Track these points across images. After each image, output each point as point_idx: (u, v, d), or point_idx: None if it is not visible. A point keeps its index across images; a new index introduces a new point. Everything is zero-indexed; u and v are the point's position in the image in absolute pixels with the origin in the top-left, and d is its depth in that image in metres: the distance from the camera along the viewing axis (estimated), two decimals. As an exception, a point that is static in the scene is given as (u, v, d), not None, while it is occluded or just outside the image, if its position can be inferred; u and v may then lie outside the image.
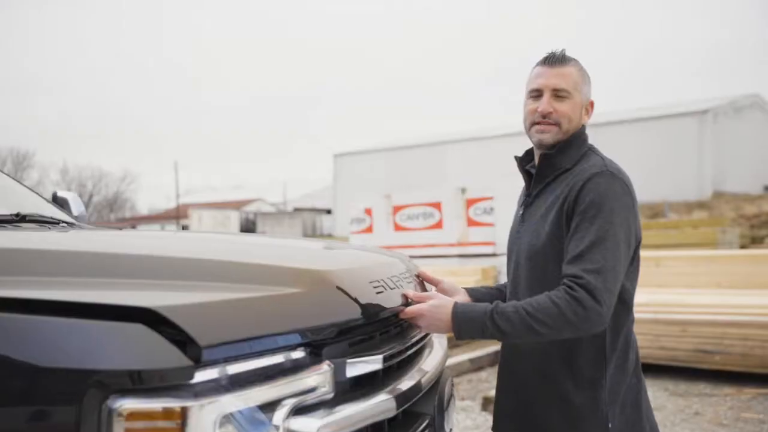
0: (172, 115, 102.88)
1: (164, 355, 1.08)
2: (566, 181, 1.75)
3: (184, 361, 1.08)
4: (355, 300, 1.41)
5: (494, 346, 6.70)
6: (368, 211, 10.44)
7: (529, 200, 1.87)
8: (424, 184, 23.48)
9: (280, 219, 40.19)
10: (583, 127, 1.86)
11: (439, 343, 1.97)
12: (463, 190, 9.39)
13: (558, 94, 1.78)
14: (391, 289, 1.63)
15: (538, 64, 1.85)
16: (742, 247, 15.28)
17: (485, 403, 4.90)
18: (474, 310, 1.66)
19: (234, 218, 38.29)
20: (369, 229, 10.37)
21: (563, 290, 1.61)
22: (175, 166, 44.76)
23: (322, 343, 1.32)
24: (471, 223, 9.23)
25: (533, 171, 1.87)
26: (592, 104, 1.88)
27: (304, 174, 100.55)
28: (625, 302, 1.75)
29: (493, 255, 8.94)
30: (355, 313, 1.40)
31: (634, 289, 1.80)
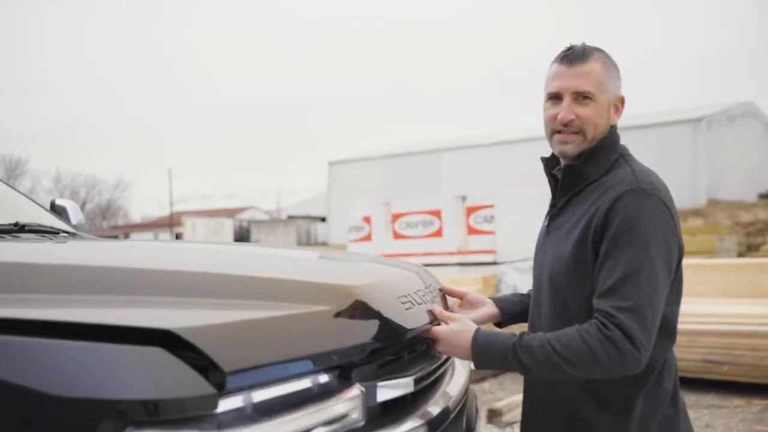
0: (166, 121, 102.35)
1: (185, 382, 0.98)
2: (593, 197, 1.58)
3: (207, 388, 0.98)
4: (386, 318, 1.32)
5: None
6: (367, 219, 10.34)
7: (554, 212, 1.70)
8: (420, 192, 23.41)
9: (273, 227, 40.06)
10: (613, 128, 1.65)
11: (461, 361, 1.86)
12: (464, 198, 9.31)
13: (580, 96, 1.58)
14: (419, 304, 1.53)
15: (555, 62, 1.63)
16: (739, 255, 15.27)
17: (490, 415, 4.80)
18: (496, 341, 1.51)
19: (227, 226, 38.12)
20: (368, 237, 10.27)
21: (595, 327, 1.44)
22: (169, 174, 44.60)
23: (352, 365, 1.22)
24: (471, 231, 9.14)
25: (560, 175, 1.70)
26: (622, 100, 1.66)
27: (299, 182, 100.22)
28: (665, 331, 1.55)
29: (494, 263, 8.85)
30: (386, 332, 1.30)
31: (675, 315, 1.60)
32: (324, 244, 33.05)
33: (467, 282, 7.80)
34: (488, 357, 1.51)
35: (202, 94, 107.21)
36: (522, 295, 1.91)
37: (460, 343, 1.53)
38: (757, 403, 4.94)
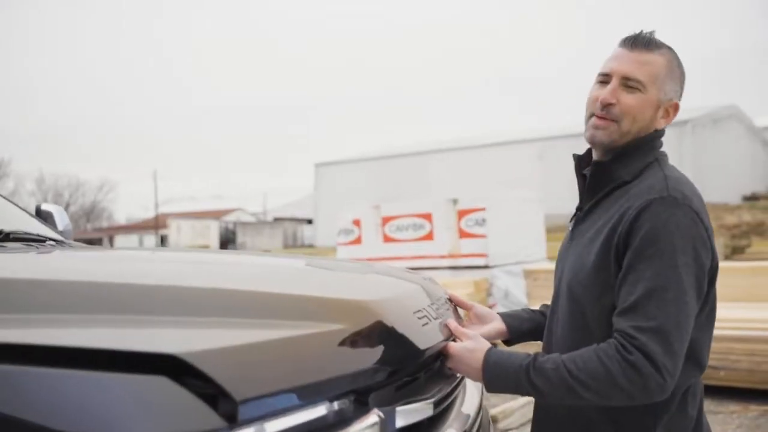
0: (163, 121, 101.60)
1: (191, 415, 0.88)
2: (620, 202, 1.45)
3: (216, 421, 0.89)
4: (405, 336, 1.23)
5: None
6: (356, 222, 10.23)
7: (580, 216, 1.58)
8: (408, 194, 23.33)
9: (260, 229, 39.90)
10: (657, 132, 1.53)
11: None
12: (455, 201, 9.23)
13: (628, 83, 1.46)
14: (435, 319, 1.45)
15: (619, 44, 1.52)
16: (725, 257, 15.36)
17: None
18: (508, 362, 1.41)
19: (213, 228, 37.89)
20: (357, 241, 10.15)
21: (614, 348, 1.33)
22: (155, 176, 44.19)
23: (369, 389, 1.13)
24: (463, 234, 9.05)
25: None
26: (675, 107, 1.53)
27: (286, 183, 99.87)
28: (693, 359, 1.43)
29: (486, 267, 8.78)
30: (406, 351, 1.22)
31: (706, 342, 1.47)
32: (311, 246, 32.89)
33: (459, 286, 7.73)
34: (500, 379, 1.41)
35: (201, 94, 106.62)
36: (532, 311, 1.80)
37: (472, 362, 1.44)
38: (754, 409, 4.91)
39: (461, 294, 7.52)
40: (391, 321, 1.23)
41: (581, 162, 1.61)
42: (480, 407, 1.61)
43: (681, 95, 1.55)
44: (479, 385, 1.75)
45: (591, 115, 1.52)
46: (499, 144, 29.04)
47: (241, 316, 1.12)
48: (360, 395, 1.10)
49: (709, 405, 5.12)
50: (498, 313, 1.76)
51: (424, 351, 1.29)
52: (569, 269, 1.55)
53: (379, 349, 1.16)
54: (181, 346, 0.92)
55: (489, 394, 5.44)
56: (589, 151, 1.61)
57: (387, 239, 9.82)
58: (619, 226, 1.41)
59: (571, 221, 1.65)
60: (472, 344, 1.47)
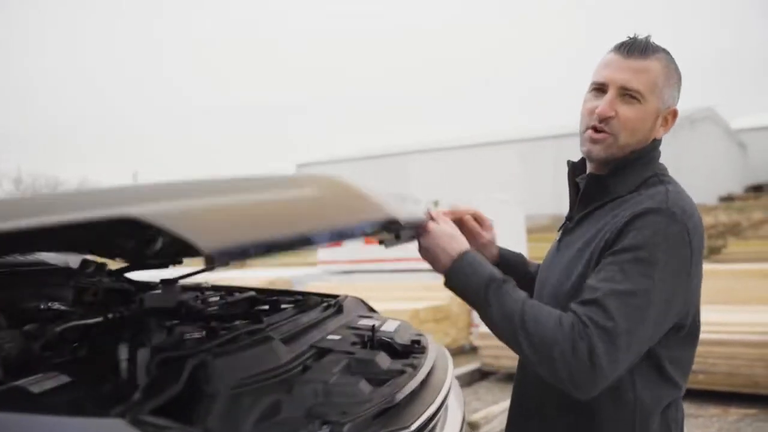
0: (151, 122, 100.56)
1: None
2: (615, 211, 1.37)
3: None
4: (381, 204, 1.22)
5: (474, 364, 6.50)
6: (337, 224, 10.13)
7: (569, 226, 1.50)
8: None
9: (241, 229, 39.53)
10: (655, 142, 1.44)
11: (455, 395, 1.71)
12: (436, 203, 9.17)
13: (626, 94, 1.38)
14: (414, 204, 1.46)
15: (612, 50, 1.42)
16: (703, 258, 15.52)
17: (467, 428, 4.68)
18: (482, 267, 1.36)
19: (193, 228, 37.50)
20: (338, 242, 10.05)
21: (570, 323, 1.25)
22: (134, 176, 43.69)
23: (343, 422, 1.07)
24: (444, 237, 9.00)
25: (583, 185, 1.48)
26: (674, 114, 1.44)
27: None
28: (667, 377, 1.37)
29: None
30: (383, 213, 1.20)
31: (686, 363, 1.41)
32: (292, 246, 32.60)
33: (440, 288, 7.68)
34: (464, 277, 1.36)
35: (200, 94, 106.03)
36: (530, 263, 1.72)
37: (448, 248, 1.39)
38: (734, 412, 4.93)
39: (443, 296, 7.38)
40: (368, 191, 1.22)
41: (575, 169, 1.53)
42: (463, 424, 1.56)
43: (678, 99, 1.47)
44: (462, 405, 1.70)
45: (587, 128, 1.42)
46: (480, 145, 29.08)
47: (215, 194, 1.07)
48: (335, 426, 1.05)
49: (689, 408, 5.13)
50: (498, 246, 1.70)
51: (400, 221, 1.24)
52: (555, 280, 1.47)
53: (356, 209, 1.16)
54: (143, 211, 0.87)
55: (472, 400, 5.37)
56: (583, 159, 1.52)
57: (368, 241, 9.71)
58: (609, 231, 1.34)
59: (559, 230, 1.58)
60: (454, 232, 1.42)
